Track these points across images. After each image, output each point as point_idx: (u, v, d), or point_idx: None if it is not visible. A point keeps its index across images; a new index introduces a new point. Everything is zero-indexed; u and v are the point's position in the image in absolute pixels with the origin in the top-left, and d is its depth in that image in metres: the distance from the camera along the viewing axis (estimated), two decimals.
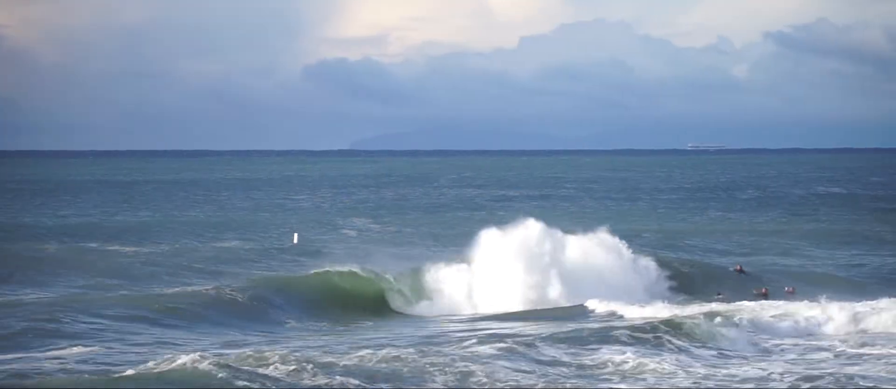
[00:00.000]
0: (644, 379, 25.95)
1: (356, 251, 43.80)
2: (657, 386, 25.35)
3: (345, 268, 41.26)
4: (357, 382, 23.98)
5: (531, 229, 43.34)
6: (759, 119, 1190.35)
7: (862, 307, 36.70)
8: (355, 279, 40.87)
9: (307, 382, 23.71)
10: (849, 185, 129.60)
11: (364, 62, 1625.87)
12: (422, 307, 40.37)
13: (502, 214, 76.73)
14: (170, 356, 25.42)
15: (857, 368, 27.25)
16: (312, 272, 41.71)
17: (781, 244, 59.89)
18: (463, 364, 26.08)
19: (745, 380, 25.92)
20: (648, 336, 30.18)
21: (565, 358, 27.76)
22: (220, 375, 23.11)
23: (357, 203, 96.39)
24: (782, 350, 30.19)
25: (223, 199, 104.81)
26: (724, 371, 26.78)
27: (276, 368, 24.11)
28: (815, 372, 26.56)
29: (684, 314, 35.13)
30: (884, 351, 29.56)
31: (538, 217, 43.73)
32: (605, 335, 29.94)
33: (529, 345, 27.93)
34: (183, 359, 24.28)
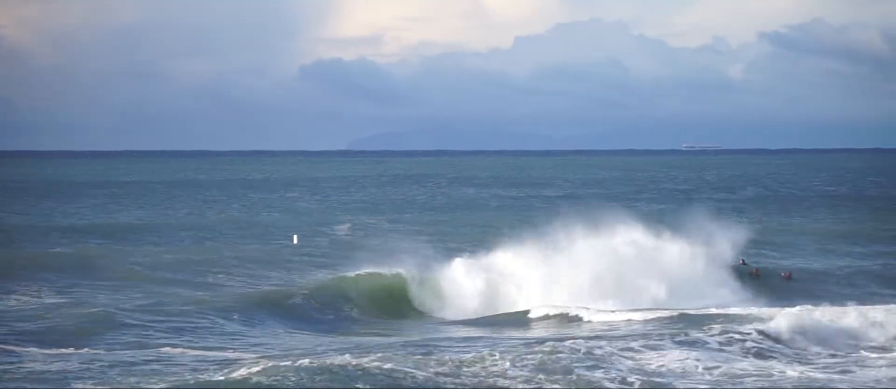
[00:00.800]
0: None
1: (398, 251, 43.14)
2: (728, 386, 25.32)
3: (389, 270, 40.99)
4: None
5: (632, 229, 43.62)
6: (754, 119, 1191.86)
7: None
8: (398, 279, 40.68)
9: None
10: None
11: (360, 62, 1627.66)
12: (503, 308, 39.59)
13: (561, 212, 75.47)
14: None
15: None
16: (362, 272, 40.85)
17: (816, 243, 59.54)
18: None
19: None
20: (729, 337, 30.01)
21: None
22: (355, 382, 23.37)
23: (379, 203, 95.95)
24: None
25: (238, 199, 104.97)
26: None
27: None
28: None
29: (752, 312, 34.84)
30: None
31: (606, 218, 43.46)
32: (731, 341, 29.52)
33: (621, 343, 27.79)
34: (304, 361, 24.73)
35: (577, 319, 35.90)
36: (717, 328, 30.96)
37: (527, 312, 37.69)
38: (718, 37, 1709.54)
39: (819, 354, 29.46)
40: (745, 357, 28.47)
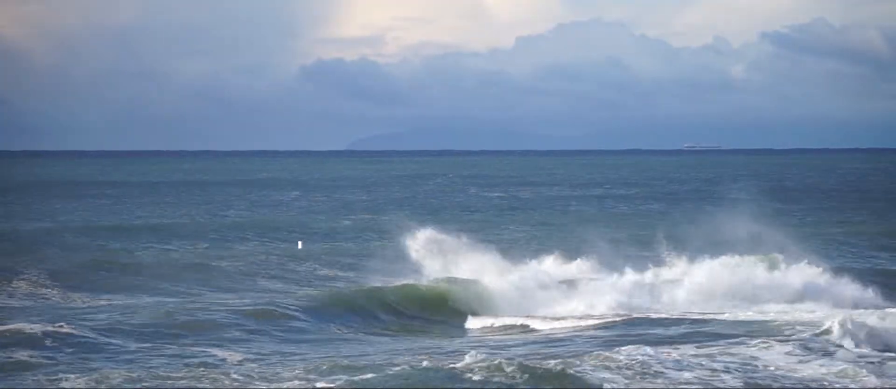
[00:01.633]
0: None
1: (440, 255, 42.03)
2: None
3: (441, 276, 39.38)
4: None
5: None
6: (755, 119, 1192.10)
7: None
8: (459, 284, 38.80)
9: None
10: None
11: (360, 62, 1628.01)
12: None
13: (611, 213, 74.72)
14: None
15: None
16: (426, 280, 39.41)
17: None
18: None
19: None
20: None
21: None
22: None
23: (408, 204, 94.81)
24: None
25: (252, 198, 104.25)
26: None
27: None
28: None
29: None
30: None
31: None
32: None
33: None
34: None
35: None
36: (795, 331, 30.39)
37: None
38: (720, 37, 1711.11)
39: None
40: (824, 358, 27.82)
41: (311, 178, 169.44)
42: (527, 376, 23.24)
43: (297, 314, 33.94)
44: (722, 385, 24.67)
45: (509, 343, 30.72)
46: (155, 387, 23.02)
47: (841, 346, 29.46)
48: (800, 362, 27.18)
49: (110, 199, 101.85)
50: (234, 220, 72.92)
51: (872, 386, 25.24)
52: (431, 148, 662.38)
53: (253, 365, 26.01)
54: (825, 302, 38.51)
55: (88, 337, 28.91)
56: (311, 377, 23.68)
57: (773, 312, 35.84)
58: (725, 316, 34.83)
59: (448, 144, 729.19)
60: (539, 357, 26.67)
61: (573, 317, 35.26)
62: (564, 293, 38.64)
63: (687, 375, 25.06)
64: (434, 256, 42.12)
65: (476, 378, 23.11)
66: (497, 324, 34.58)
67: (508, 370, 23.44)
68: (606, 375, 24.28)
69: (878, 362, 27.70)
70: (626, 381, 24.10)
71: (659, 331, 32.19)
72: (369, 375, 23.46)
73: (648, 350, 26.85)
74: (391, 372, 23.64)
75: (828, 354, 28.41)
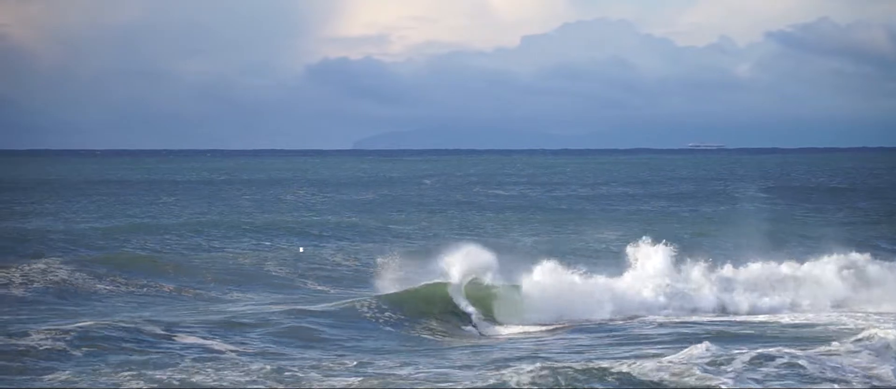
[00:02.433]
0: None
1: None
2: None
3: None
4: None
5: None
6: (760, 119, 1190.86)
7: None
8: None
9: None
10: None
11: (365, 62, 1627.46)
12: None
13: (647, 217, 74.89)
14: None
15: None
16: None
17: None
18: None
19: None
20: None
21: None
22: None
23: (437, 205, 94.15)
24: None
25: (268, 197, 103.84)
26: None
27: None
28: None
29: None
30: None
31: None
32: None
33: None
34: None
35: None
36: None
37: None
38: (725, 36, 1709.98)
39: None
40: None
41: (321, 176, 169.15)
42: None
43: (379, 313, 33.39)
44: None
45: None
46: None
47: None
48: None
49: (128, 197, 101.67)
50: (270, 219, 72.38)
51: None
52: (437, 147, 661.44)
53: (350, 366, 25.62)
54: None
55: (206, 341, 28.67)
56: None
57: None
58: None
59: (453, 144, 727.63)
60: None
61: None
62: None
63: None
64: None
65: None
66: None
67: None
68: None
69: None
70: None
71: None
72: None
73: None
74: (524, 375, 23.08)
75: None
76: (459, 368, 25.54)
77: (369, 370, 25.23)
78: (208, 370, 24.53)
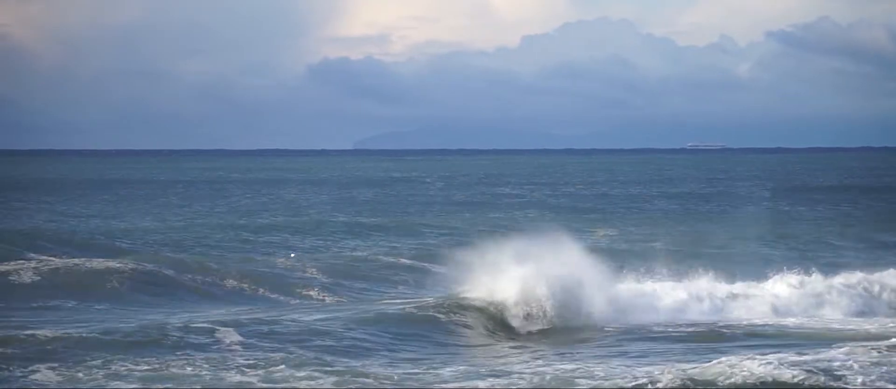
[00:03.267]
0: None
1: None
2: None
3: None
4: None
5: None
6: (761, 118, 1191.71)
7: None
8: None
9: None
10: None
11: (366, 61, 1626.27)
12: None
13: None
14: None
15: None
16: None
17: None
18: None
19: None
20: None
21: None
22: None
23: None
24: None
25: (286, 198, 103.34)
26: None
27: None
28: None
29: None
30: None
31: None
32: None
33: None
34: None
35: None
36: None
37: None
38: (726, 35, 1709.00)
39: None
40: None
41: (330, 175, 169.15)
42: None
43: (448, 317, 32.44)
44: None
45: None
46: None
47: None
48: None
49: (143, 196, 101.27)
50: (301, 220, 71.66)
51: None
52: (438, 147, 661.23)
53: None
54: None
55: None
56: None
57: None
58: None
59: (454, 143, 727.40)
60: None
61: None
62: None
63: None
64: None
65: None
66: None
67: None
68: None
69: None
70: None
71: None
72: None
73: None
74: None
75: None
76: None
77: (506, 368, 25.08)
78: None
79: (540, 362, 26.66)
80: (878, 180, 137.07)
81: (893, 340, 27.72)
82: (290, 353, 26.28)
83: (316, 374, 24.11)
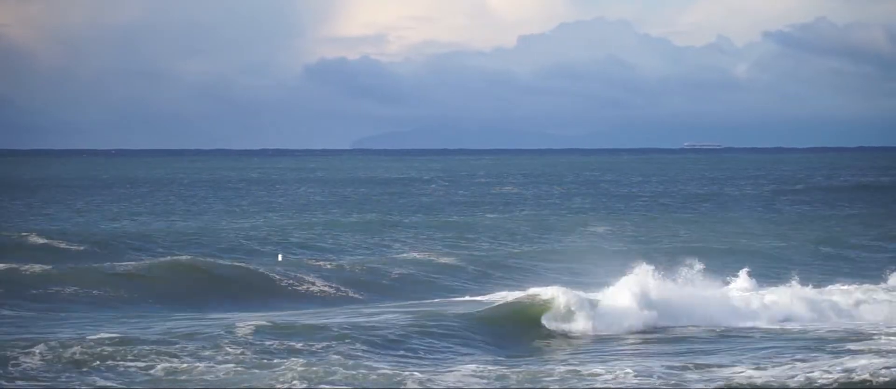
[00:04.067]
0: None
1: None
2: None
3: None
4: None
5: None
6: (759, 118, 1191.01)
7: None
8: None
9: None
10: None
11: (363, 61, 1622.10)
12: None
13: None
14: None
15: None
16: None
17: None
18: None
19: None
20: None
21: None
22: None
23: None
24: None
25: (298, 197, 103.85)
26: None
27: None
28: None
29: None
30: None
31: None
32: None
33: None
34: None
35: None
36: None
37: None
38: (723, 36, 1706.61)
39: None
40: None
41: (336, 176, 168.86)
42: None
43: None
44: None
45: None
46: None
47: None
48: None
49: (155, 197, 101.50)
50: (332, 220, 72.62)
51: None
52: (435, 147, 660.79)
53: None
54: None
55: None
56: None
57: None
58: None
59: (453, 143, 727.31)
60: None
61: None
62: None
63: None
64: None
65: None
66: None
67: None
68: None
69: None
70: None
71: None
72: None
73: None
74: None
75: None
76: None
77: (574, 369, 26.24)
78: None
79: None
80: None
81: None
82: (348, 358, 27.29)
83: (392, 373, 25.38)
